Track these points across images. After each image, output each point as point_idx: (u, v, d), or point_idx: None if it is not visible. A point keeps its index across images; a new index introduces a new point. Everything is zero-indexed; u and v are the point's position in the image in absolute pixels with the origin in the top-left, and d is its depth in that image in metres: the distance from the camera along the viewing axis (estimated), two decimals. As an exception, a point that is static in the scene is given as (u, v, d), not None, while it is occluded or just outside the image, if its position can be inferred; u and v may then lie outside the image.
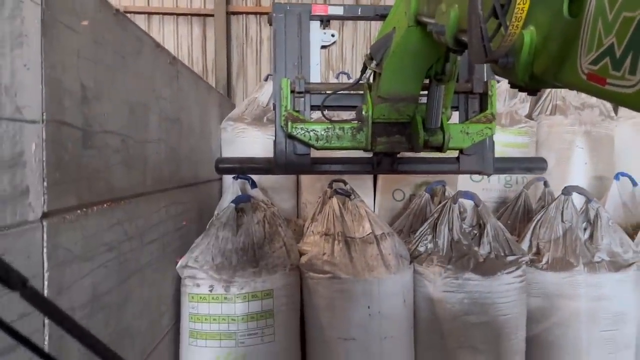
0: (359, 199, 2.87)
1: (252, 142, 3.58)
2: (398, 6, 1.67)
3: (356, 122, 2.07)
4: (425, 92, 1.87)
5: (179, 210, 2.54)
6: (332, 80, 4.41)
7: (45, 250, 1.25)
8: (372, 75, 1.95)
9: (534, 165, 2.48)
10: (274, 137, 2.17)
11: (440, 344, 2.52)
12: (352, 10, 2.38)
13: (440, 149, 1.94)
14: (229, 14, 4.76)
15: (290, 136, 2.09)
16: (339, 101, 2.23)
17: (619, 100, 0.72)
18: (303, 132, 2.07)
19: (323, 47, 2.31)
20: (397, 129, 2.01)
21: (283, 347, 2.43)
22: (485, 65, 2.06)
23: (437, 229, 2.71)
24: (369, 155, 2.18)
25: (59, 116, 1.31)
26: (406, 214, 3.25)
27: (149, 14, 4.75)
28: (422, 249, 2.72)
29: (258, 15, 4.81)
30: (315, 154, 2.18)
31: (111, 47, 1.67)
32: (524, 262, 2.56)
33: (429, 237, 2.73)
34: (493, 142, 2.22)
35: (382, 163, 2.17)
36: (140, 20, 4.72)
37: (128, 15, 4.57)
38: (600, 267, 2.56)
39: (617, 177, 3.31)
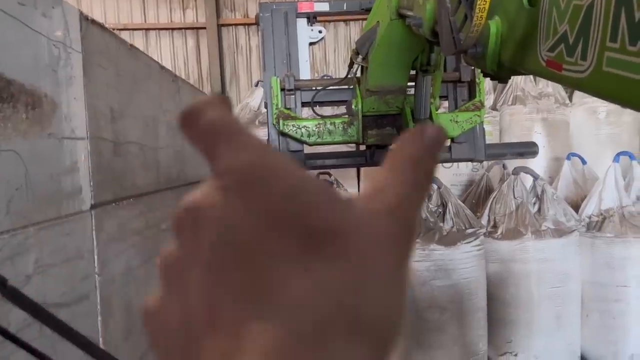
0: (342, 189, 3.31)
1: (247, 142, 4.01)
2: (381, 0, 1.68)
3: (347, 116, 2.09)
4: (413, 84, 1.88)
5: (186, 204, 2.99)
6: (317, 82, 4.83)
7: (94, 232, 1.70)
8: (360, 69, 1.96)
9: (526, 149, 2.51)
10: (266, 137, 2.21)
11: (414, 305, 2.97)
12: (338, 6, 2.38)
13: None
14: (219, 26, 5.19)
15: (282, 134, 2.12)
16: (329, 97, 2.25)
17: (574, 85, 0.74)
18: (295, 129, 2.09)
19: (311, 43, 2.37)
20: (388, 121, 2.02)
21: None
22: None
23: (408, 209, 3.16)
24: (362, 148, 2.22)
25: (97, 133, 1.76)
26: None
27: (147, 29, 5.18)
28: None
29: (246, 26, 5.24)
30: (308, 149, 2.20)
31: (128, 75, 2.12)
32: (481, 234, 3.02)
33: (402, 217, 3.18)
34: (483, 129, 2.25)
35: (374, 155, 2.19)
36: (139, 36, 5.15)
37: (127, 31, 5.03)
38: (546, 234, 3.01)
39: (568, 157, 3.76)
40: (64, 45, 1.55)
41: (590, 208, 3.23)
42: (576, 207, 3.31)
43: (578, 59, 0.71)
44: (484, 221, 3.19)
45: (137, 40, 5.08)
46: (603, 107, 4.03)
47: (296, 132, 2.10)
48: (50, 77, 1.46)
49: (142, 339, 2.14)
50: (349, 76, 2.01)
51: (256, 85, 4.53)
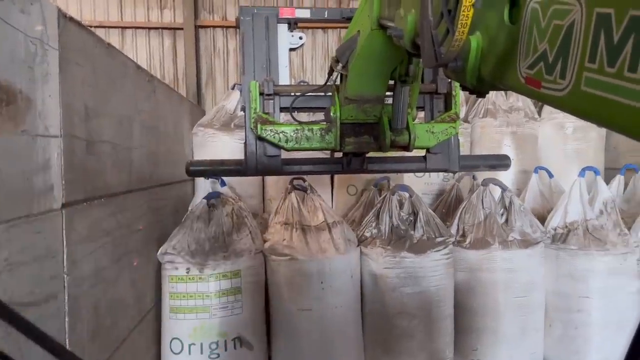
0: (316, 194, 3.33)
1: (222, 145, 4.00)
2: (362, 10, 1.68)
3: (325, 123, 2.09)
4: (392, 93, 1.89)
5: (159, 205, 2.97)
6: (293, 87, 4.85)
7: (64, 232, 1.68)
8: (339, 77, 1.96)
9: (499, 162, 2.54)
10: (244, 140, 2.20)
11: (383, 311, 3.01)
12: (319, 13, 2.40)
13: (406, 148, 1.96)
14: (197, 27, 5.16)
15: (260, 138, 2.11)
16: (308, 103, 2.24)
17: (552, 103, 0.75)
18: (273, 134, 2.08)
19: (291, 49, 2.36)
20: (365, 130, 2.02)
21: (250, 318, 2.88)
22: None
23: (380, 217, 3.20)
24: (339, 155, 2.21)
25: (71, 131, 1.74)
26: (357, 206, 3.76)
27: (123, 28, 5.12)
28: (368, 234, 3.20)
29: (225, 29, 5.22)
30: (285, 155, 2.20)
31: (104, 74, 2.10)
32: (450, 243, 3.08)
33: (374, 224, 3.22)
34: (458, 141, 2.28)
35: (351, 163, 2.20)
36: (115, 34, 5.08)
37: (103, 29, 4.96)
38: (512, 244, 3.09)
39: (536, 170, 3.86)
40: (41, 41, 1.53)
41: (555, 220, 3.33)
42: (542, 219, 3.40)
43: (557, 78, 0.72)
44: (453, 230, 3.25)
45: (113, 38, 5.01)
46: (570, 122, 4.16)
47: (274, 137, 2.09)
48: (26, 73, 1.45)
49: (109, 341, 2.12)
50: (328, 84, 2.02)
51: (232, 88, 4.52)
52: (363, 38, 1.64)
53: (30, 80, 1.47)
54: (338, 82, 2.01)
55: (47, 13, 1.58)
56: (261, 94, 2.14)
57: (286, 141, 2.09)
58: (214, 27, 5.22)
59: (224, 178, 3.64)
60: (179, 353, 2.77)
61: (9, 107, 1.35)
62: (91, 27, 4.66)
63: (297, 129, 2.09)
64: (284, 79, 2.26)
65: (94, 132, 1.96)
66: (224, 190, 3.48)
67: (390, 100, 1.94)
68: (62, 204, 1.67)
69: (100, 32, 4.85)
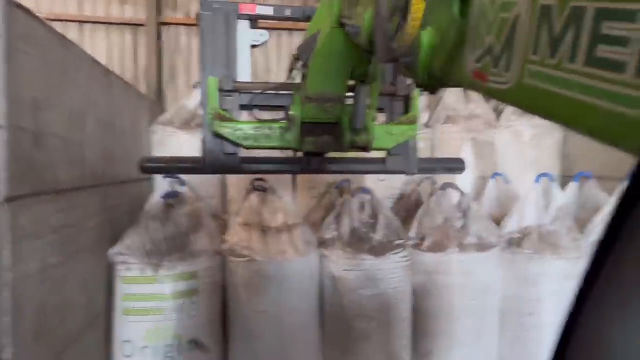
0: (276, 195, 3.30)
1: (181, 144, 3.93)
2: (322, 8, 1.69)
3: (285, 121, 2.06)
4: (352, 94, 1.90)
5: (113, 203, 2.88)
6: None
7: (8, 226, 1.60)
8: (301, 76, 1.94)
9: (454, 165, 2.60)
10: (202, 137, 2.14)
11: (341, 313, 3.00)
12: (281, 11, 2.35)
13: (365, 148, 1.97)
14: (159, 24, 5.06)
15: (217, 135, 2.07)
16: (268, 101, 2.20)
17: (497, 96, 0.76)
18: (231, 131, 2.04)
19: (253, 46, 2.36)
20: (325, 129, 2.00)
21: (206, 319, 2.82)
22: None
23: (340, 219, 3.19)
24: (299, 155, 2.19)
25: (16, 122, 1.66)
26: (318, 208, 3.74)
27: (81, 22, 4.97)
28: (328, 235, 3.19)
29: (188, 27, 5.14)
30: (244, 153, 2.17)
31: (56, 65, 2.03)
32: (408, 245, 3.10)
33: (334, 226, 3.21)
34: (416, 143, 2.29)
35: (310, 163, 2.18)
36: (73, 28, 4.93)
37: (60, 22, 4.80)
38: (469, 248, 3.13)
39: (493, 176, 3.94)
40: (-15, 26, 1.46)
41: (511, 225, 3.39)
42: (498, 223, 3.47)
43: (502, 71, 0.73)
44: (412, 234, 3.27)
45: (71, 32, 4.86)
46: (527, 130, 4.27)
47: (231, 135, 2.05)
48: (-33, 58, 1.38)
49: (56, 342, 2.03)
50: (289, 82, 2.00)
51: (194, 87, 4.45)
52: (323, 36, 1.64)
53: (-29, 66, 1.40)
54: (299, 80, 1.98)
55: (-7, -3, 1.51)
56: (220, 90, 2.09)
57: (244, 139, 2.05)
58: (177, 24, 5.13)
59: (184, 177, 3.57)
60: (130, 356, 2.69)
61: (-54, 93, 1.28)
62: (48, 19, 4.51)
63: (256, 127, 2.05)
64: (245, 76, 2.21)
65: (42, 125, 1.88)
66: (183, 189, 3.42)
67: (351, 101, 1.94)
68: (5, 197, 1.60)
69: (57, 26, 4.69)
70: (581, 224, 3.53)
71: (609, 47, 0.55)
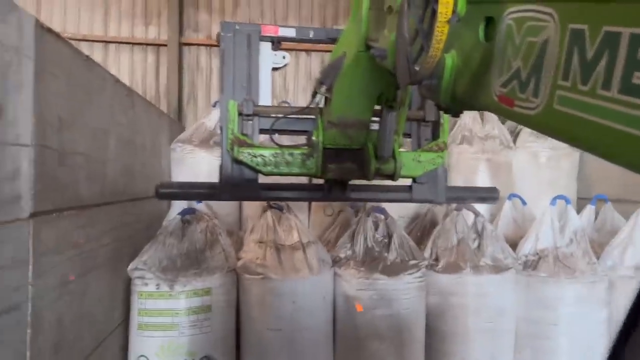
0: (292, 213, 3.33)
1: (200, 162, 4.00)
2: (348, 31, 1.63)
3: (306, 147, 2.00)
4: (377, 119, 1.82)
5: (131, 219, 2.94)
6: (275, 107, 4.90)
7: (31, 242, 1.66)
8: (323, 100, 1.88)
9: (487, 194, 2.49)
10: (220, 162, 2.11)
11: (354, 333, 3.00)
12: (304, 33, 2.28)
13: (391, 177, 1.89)
14: (181, 44, 5.19)
15: (236, 161, 2.02)
16: (289, 126, 2.15)
17: (525, 122, 0.74)
18: (250, 157, 1.99)
19: (274, 69, 2.42)
20: (348, 156, 1.94)
21: (220, 336, 2.85)
22: None
23: (355, 238, 3.21)
24: (320, 181, 2.11)
25: (43, 141, 1.73)
26: (333, 227, 3.77)
27: (107, 42, 5.12)
28: (342, 255, 3.21)
29: (209, 47, 5.27)
30: (262, 179, 2.11)
31: (81, 86, 2.11)
32: (423, 266, 3.10)
33: (348, 245, 3.23)
34: (445, 171, 2.22)
35: (332, 191, 2.11)
36: (98, 48, 5.08)
37: (86, 42, 4.96)
38: (484, 270, 3.12)
39: (509, 197, 3.93)
40: (17, 51, 1.54)
41: (527, 247, 3.37)
42: (514, 245, 3.45)
43: (530, 96, 0.71)
44: (426, 254, 3.27)
45: (96, 52, 5.01)
46: (544, 151, 4.26)
47: (251, 161, 1.99)
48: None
49: (72, 355, 2.08)
50: (311, 106, 1.92)
51: (214, 106, 4.54)
52: (349, 59, 1.58)
53: (2, 88, 1.47)
54: (322, 104, 1.92)
55: (24, 23, 1.59)
56: (240, 114, 2.05)
57: (264, 165, 2.00)
58: (198, 45, 5.26)
59: (200, 195, 3.62)
60: (145, 371, 2.72)
61: (-21, 114, 1.35)
62: (74, 40, 4.66)
63: (276, 153, 1.99)
64: (265, 99, 2.19)
65: (67, 143, 1.95)
66: (199, 206, 3.47)
67: (376, 126, 1.87)
68: (30, 213, 1.66)
69: (83, 46, 4.86)
70: (598, 247, 3.49)
71: None
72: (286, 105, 4.88)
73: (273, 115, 2.11)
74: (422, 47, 0.95)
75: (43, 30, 1.70)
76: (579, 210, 3.82)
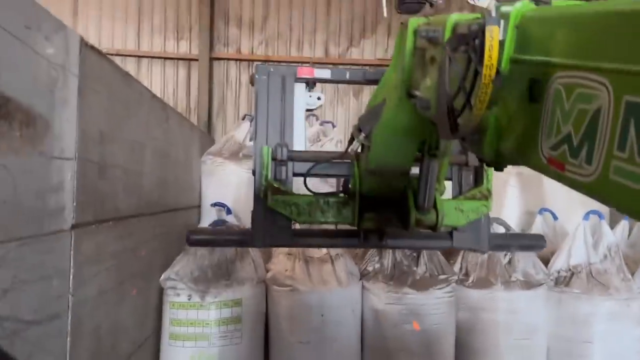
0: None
1: (229, 174, 4.05)
2: (389, 77, 1.56)
3: (342, 195, 1.94)
4: (417, 165, 1.71)
5: (165, 230, 3.00)
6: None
7: (72, 252, 1.72)
8: (360, 145, 1.77)
9: (532, 242, 2.41)
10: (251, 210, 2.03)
11: (383, 347, 2.99)
12: (340, 74, 2.22)
13: (433, 228, 1.79)
14: (211, 59, 5.30)
15: (270, 209, 1.95)
16: (323, 169, 2.06)
17: (577, 187, 0.71)
18: (284, 206, 1.93)
19: (308, 110, 2.18)
20: (386, 204, 1.85)
21: (249, 348, 2.87)
22: None
23: (383, 251, 3.21)
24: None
25: (85, 154, 1.79)
26: (361, 240, 3.77)
27: (139, 57, 5.26)
28: (370, 268, 3.21)
29: (238, 62, 5.36)
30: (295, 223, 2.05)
31: (120, 101, 2.17)
32: (452, 281, 3.07)
33: (377, 258, 3.23)
34: (489, 218, 2.11)
35: (369, 238, 2.00)
36: (131, 62, 5.22)
37: (120, 57, 5.10)
38: (515, 285, 3.08)
39: (540, 212, 3.88)
40: (63, 68, 1.60)
41: (559, 263, 3.32)
42: (546, 261, 3.40)
43: (582, 162, 0.68)
44: (456, 268, 3.25)
45: (129, 66, 5.15)
46: (576, 166, 4.19)
47: (285, 209, 1.93)
48: (47, 98, 1.51)
49: (108, 364, 2.12)
50: (347, 152, 1.82)
51: (243, 119, 4.61)
52: (390, 108, 1.50)
53: (49, 104, 1.53)
54: (357, 148, 1.81)
55: (70, 41, 1.66)
56: (273, 159, 1.99)
57: (298, 214, 1.93)
58: (228, 59, 5.37)
59: (229, 205, 3.67)
60: (176, 380, 2.76)
61: (28, 129, 1.41)
62: (109, 54, 4.80)
63: (311, 201, 1.93)
64: (300, 141, 2.08)
65: (107, 156, 2.01)
66: (230, 218, 3.52)
67: (414, 170, 1.76)
68: (72, 225, 1.71)
69: (117, 60, 5.00)
70: (632, 263, 3.42)
71: None
72: (314, 116, 4.92)
73: (308, 160, 2.03)
74: (465, 104, 0.93)
75: (87, 48, 1.77)
76: (612, 225, 3.74)
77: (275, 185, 1.95)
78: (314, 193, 1.94)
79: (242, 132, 4.39)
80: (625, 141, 0.61)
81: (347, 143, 1.78)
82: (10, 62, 1.30)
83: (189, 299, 2.80)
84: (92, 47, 1.82)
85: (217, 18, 5.34)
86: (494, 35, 0.84)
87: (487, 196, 1.98)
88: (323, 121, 4.89)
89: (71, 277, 1.72)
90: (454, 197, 2.02)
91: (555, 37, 0.78)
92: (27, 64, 1.41)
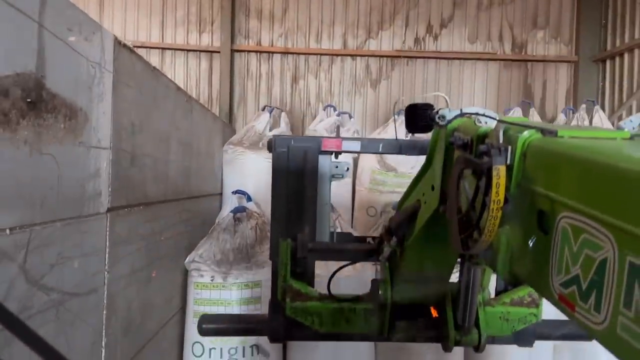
0: (336, 213, 3.49)
1: (250, 163, 4.22)
2: (425, 178, 1.39)
3: (370, 302, 1.74)
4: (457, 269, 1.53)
5: (189, 216, 3.18)
6: (320, 111, 5.06)
7: (107, 233, 1.89)
8: (393, 251, 1.61)
9: (577, 332, 2.04)
10: (267, 312, 1.87)
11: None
12: (372, 146, 2.00)
13: (476, 349, 1.64)
14: (233, 51, 5.45)
15: (287, 316, 1.75)
16: (343, 255, 1.90)
17: (589, 332, 0.67)
18: (304, 314, 1.73)
19: (333, 176, 1.95)
20: (420, 313, 1.70)
21: (268, 327, 3.03)
22: None
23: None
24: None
25: (119, 144, 1.96)
26: (376, 227, 3.90)
27: (163, 49, 5.44)
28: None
29: (258, 53, 5.51)
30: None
31: (149, 94, 2.33)
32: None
33: (390, 245, 3.35)
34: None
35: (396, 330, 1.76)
36: (155, 54, 5.40)
37: (144, 49, 5.28)
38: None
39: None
40: (99, 65, 1.76)
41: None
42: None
43: (592, 309, 0.65)
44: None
45: (153, 58, 5.33)
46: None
47: (306, 320, 1.74)
48: (86, 93, 1.67)
49: (138, 338, 2.31)
50: (380, 259, 1.69)
51: (263, 110, 4.76)
52: (426, 212, 1.35)
53: (88, 99, 1.70)
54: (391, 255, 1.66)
55: (105, 41, 1.82)
56: (293, 255, 1.78)
57: (320, 324, 1.73)
58: (249, 51, 5.50)
59: (250, 193, 3.83)
60: (200, 356, 2.95)
61: (71, 121, 1.58)
62: (134, 47, 4.98)
63: (334, 310, 1.74)
64: (323, 221, 1.87)
65: (137, 146, 2.18)
66: (250, 205, 3.68)
67: (455, 275, 1.59)
68: (108, 208, 1.88)
69: (141, 52, 5.18)
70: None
71: None
72: (331, 107, 5.04)
73: (332, 256, 1.86)
74: (475, 226, 0.91)
75: (120, 46, 1.93)
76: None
77: (294, 286, 1.76)
78: (337, 299, 1.78)
79: (262, 122, 4.55)
80: (630, 300, 0.58)
81: (376, 245, 1.65)
82: (56, 62, 1.46)
83: (212, 280, 2.98)
84: (125, 45, 1.98)
85: (238, 11, 5.49)
86: (500, 174, 0.83)
87: (537, 302, 1.76)
88: (340, 112, 4.99)
89: (107, 255, 1.90)
90: (499, 294, 1.80)
91: (562, 175, 0.77)
92: (70, 63, 1.57)
